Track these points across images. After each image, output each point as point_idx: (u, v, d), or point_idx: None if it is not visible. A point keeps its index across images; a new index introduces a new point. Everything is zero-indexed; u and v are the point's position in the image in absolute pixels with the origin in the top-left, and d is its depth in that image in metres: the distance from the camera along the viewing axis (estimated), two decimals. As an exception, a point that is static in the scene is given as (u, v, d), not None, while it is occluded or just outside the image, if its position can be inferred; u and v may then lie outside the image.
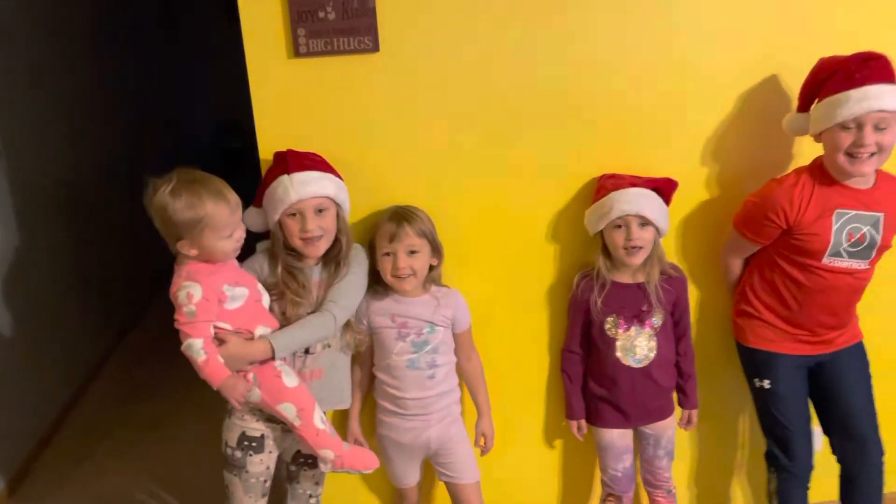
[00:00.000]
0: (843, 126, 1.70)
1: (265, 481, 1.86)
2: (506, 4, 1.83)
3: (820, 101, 1.76)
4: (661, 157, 1.96)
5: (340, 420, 2.00)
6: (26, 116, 3.04)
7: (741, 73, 1.94)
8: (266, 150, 1.85)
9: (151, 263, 4.11)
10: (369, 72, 1.84)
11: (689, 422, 2.06)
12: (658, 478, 2.07)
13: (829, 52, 1.78)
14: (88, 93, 3.73)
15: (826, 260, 1.81)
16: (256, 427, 1.82)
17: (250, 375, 1.69)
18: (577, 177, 1.97)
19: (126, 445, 2.93)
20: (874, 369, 1.99)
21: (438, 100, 1.88)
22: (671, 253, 2.02)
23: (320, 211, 1.75)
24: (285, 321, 1.76)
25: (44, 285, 3.07)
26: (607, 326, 1.93)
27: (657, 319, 1.93)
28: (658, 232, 1.87)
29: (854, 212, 1.78)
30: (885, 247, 1.83)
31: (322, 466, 1.75)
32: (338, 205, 1.78)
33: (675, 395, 2.04)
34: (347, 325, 1.85)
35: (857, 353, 1.98)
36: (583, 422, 2.04)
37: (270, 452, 1.85)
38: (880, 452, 1.97)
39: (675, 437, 2.06)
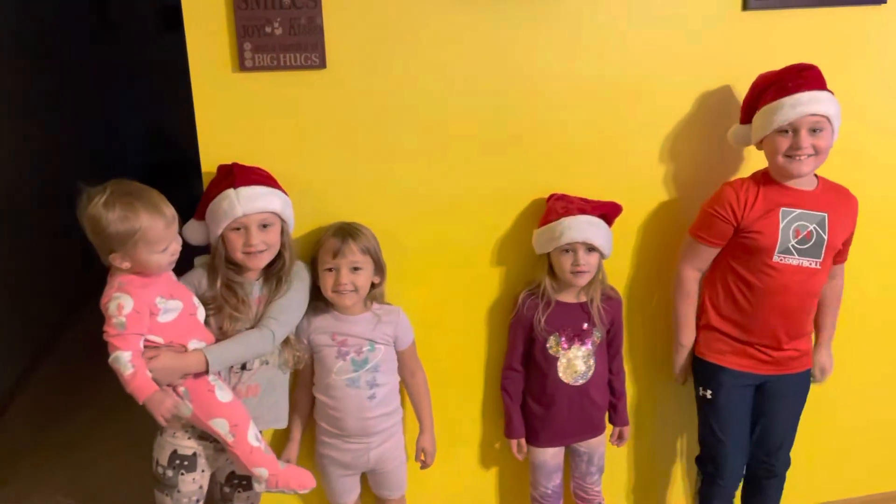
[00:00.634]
0: (781, 131, 1.82)
1: (198, 501, 1.81)
2: (450, 31, 1.87)
3: (759, 111, 1.88)
4: (603, 180, 2.02)
5: (281, 443, 1.97)
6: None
7: (683, 91, 2.03)
8: (208, 162, 1.82)
9: (70, 284, 3.97)
10: (315, 88, 1.84)
11: (620, 437, 2.12)
12: (589, 493, 2.12)
13: (767, 68, 1.90)
14: (7, 99, 3.55)
15: (777, 258, 1.88)
16: (188, 445, 1.78)
17: (182, 389, 1.65)
18: (520, 199, 2.01)
19: (48, 468, 2.84)
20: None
21: (383, 119, 1.89)
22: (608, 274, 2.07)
23: (265, 226, 1.73)
24: (222, 336, 1.73)
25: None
26: (549, 345, 1.97)
27: (597, 338, 1.99)
28: (602, 256, 1.94)
29: (799, 210, 1.88)
30: (832, 247, 1.90)
31: (256, 486, 1.72)
32: (283, 221, 1.77)
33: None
34: (287, 342, 1.83)
35: (802, 381, 2.05)
36: (522, 441, 2.06)
37: (203, 471, 1.80)
38: (786, 467, 2.10)
39: (607, 451, 2.12)
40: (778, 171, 1.89)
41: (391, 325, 1.89)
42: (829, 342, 2.12)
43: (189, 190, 2.21)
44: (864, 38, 2.10)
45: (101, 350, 1.57)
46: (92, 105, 4.90)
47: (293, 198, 1.80)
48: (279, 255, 1.78)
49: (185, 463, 1.77)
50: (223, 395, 1.68)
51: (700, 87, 2.04)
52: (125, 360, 1.54)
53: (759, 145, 1.92)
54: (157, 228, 1.56)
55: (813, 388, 2.09)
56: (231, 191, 1.70)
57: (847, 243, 1.99)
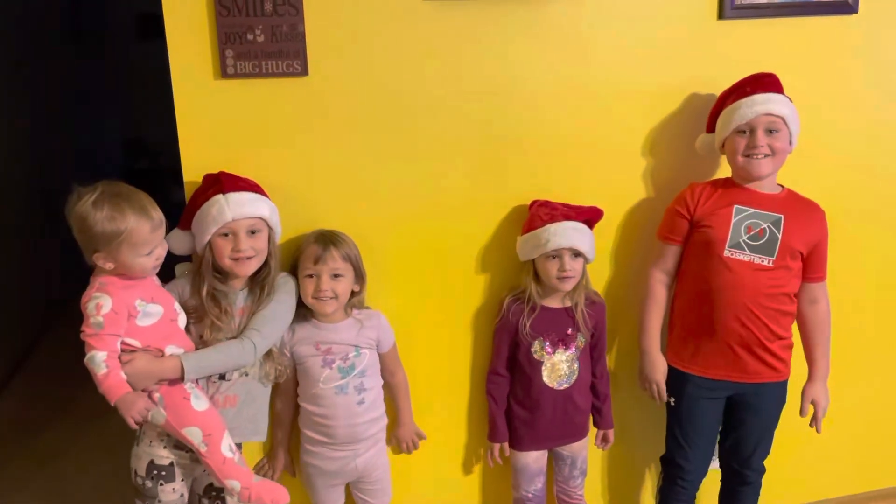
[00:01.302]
0: (739, 131, 1.90)
1: (180, 508, 1.80)
2: (431, 35, 1.88)
3: (720, 115, 1.96)
4: (585, 185, 2.05)
5: (267, 452, 1.97)
6: None
7: (663, 98, 2.07)
8: (190, 171, 1.81)
9: (47, 292, 3.92)
10: (297, 95, 1.84)
11: (604, 440, 2.14)
12: (573, 497, 2.13)
13: (744, 75, 1.96)
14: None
15: (728, 252, 1.90)
16: (164, 455, 1.76)
17: (157, 395, 1.63)
18: (503, 204, 2.03)
19: (29, 478, 2.80)
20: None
21: (366, 126, 1.90)
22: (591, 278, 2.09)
23: (253, 232, 1.73)
24: (202, 345, 1.72)
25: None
26: (534, 349, 1.98)
27: (581, 342, 2.01)
28: (586, 261, 1.96)
29: (753, 210, 1.92)
30: (787, 247, 1.90)
31: (229, 499, 1.71)
32: (270, 228, 1.77)
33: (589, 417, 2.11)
34: (269, 354, 1.81)
35: (776, 394, 2.03)
36: (505, 445, 2.06)
37: (182, 480, 1.79)
38: (760, 475, 2.11)
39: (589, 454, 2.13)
40: (738, 172, 1.96)
41: (374, 329, 1.90)
42: (824, 377, 2.03)
43: (165, 197, 2.20)
44: (837, 48, 2.16)
45: (81, 359, 1.56)
46: (67, 113, 4.85)
47: (275, 204, 1.79)
48: (265, 264, 1.78)
49: (163, 473, 1.76)
50: (199, 403, 1.67)
51: (679, 95, 2.08)
52: (99, 359, 1.54)
53: (722, 149, 1.98)
54: (143, 231, 1.56)
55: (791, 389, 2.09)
56: (221, 196, 1.70)
57: (818, 257, 1.98)
